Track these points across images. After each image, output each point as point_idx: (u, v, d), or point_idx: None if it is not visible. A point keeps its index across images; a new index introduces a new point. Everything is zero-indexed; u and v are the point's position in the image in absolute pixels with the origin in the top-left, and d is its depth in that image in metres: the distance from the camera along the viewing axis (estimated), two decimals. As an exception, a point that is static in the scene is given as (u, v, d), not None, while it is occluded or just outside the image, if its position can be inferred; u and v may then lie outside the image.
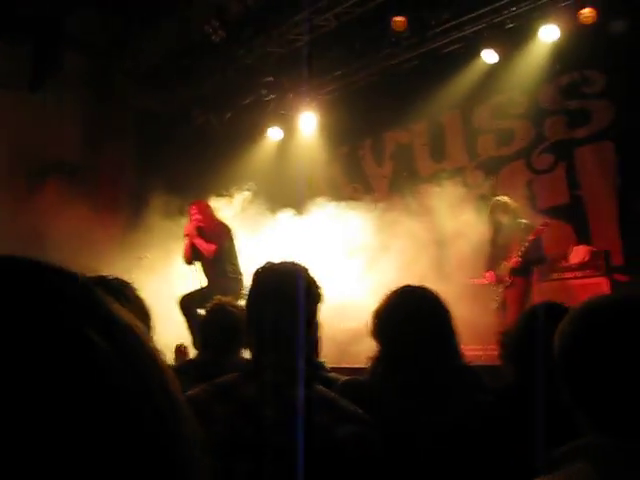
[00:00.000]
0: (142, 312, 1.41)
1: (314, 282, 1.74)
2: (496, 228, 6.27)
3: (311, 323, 1.70)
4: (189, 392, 1.61)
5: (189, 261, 6.33)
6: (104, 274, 1.46)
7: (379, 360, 1.98)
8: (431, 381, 1.88)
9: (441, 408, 1.83)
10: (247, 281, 6.18)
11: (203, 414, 1.51)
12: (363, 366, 2.20)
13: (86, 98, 9.33)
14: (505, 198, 6.24)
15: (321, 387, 1.67)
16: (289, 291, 1.62)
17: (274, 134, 9.34)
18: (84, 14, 8.24)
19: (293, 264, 1.74)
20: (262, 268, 1.76)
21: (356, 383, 2.04)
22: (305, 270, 1.73)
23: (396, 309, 2.01)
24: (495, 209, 6.23)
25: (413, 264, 6.77)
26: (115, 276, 1.47)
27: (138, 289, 1.53)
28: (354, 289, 6.65)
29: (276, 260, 1.78)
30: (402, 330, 1.95)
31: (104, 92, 9.25)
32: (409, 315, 1.98)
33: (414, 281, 2.21)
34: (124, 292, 1.40)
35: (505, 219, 6.14)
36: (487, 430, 1.79)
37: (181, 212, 7.34)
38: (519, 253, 5.92)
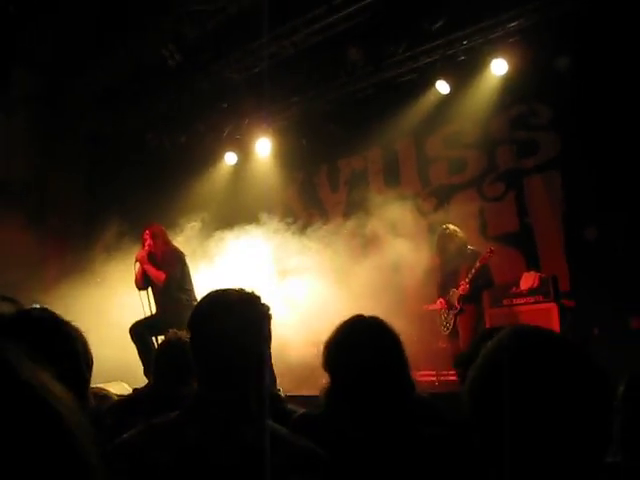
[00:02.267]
0: (68, 347, 1.33)
1: (265, 310, 1.67)
2: (444, 256, 6.38)
3: (263, 352, 1.63)
4: (123, 436, 1.49)
5: (140, 287, 6.21)
6: (31, 307, 1.39)
7: (330, 392, 1.96)
8: (382, 414, 1.87)
9: (388, 441, 1.82)
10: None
11: (139, 461, 1.41)
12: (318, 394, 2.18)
13: (37, 117, 9.12)
14: (451, 226, 6.37)
15: (273, 425, 1.57)
16: (239, 321, 1.56)
17: (229, 159, 9.32)
18: (35, 33, 8.10)
19: (243, 292, 1.67)
20: (207, 297, 1.69)
21: (310, 417, 2.02)
22: (256, 298, 1.67)
23: (345, 340, 1.99)
24: (442, 237, 6.35)
25: (365, 290, 6.81)
26: (42, 309, 1.38)
27: (68, 322, 1.41)
28: (311, 313, 6.64)
29: (223, 287, 1.71)
30: (351, 362, 1.93)
31: (56, 112, 9.07)
32: (358, 346, 1.96)
33: (366, 308, 2.21)
34: (48, 327, 1.32)
35: (452, 247, 6.26)
36: (434, 464, 1.80)
37: (133, 237, 7.22)
38: (467, 280, 6.04)
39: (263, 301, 1.69)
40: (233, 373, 1.56)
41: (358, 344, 1.97)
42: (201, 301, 1.70)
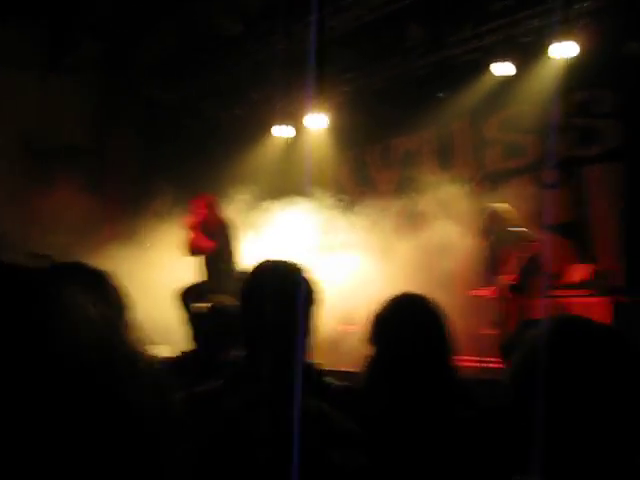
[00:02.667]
0: (114, 303, 1.36)
1: (312, 284, 1.71)
2: (491, 238, 6.21)
3: (308, 326, 1.67)
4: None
5: (189, 254, 6.33)
6: (81, 262, 1.41)
7: (373, 366, 1.98)
8: (420, 392, 1.89)
9: (425, 420, 1.83)
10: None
11: (182, 428, 1.43)
12: (357, 370, 2.19)
13: (96, 82, 9.32)
14: (499, 205, 6.16)
15: (315, 401, 1.57)
16: (288, 292, 1.59)
17: (283, 131, 9.33)
18: (99, 2, 8.25)
19: (292, 264, 1.71)
20: (260, 266, 1.72)
21: (349, 390, 2.03)
22: (304, 271, 1.70)
23: (394, 316, 2.01)
24: (488, 218, 6.16)
25: (410, 271, 6.75)
26: (91, 266, 1.41)
27: (113, 279, 1.45)
28: (351, 290, 6.64)
29: (274, 258, 1.75)
30: (398, 338, 1.95)
31: (115, 77, 9.24)
32: (406, 323, 1.98)
33: (413, 288, 2.22)
34: (96, 282, 1.35)
35: (498, 227, 6.06)
36: (464, 447, 1.79)
37: (184, 204, 7.33)
38: (516, 269, 5.86)
39: (312, 277, 1.71)
40: (276, 345, 1.58)
41: (406, 321, 1.98)
42: (252, 271, 1.72)
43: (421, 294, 2.11)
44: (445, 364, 2.01)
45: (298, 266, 1.70)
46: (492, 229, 6.16)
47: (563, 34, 6.78)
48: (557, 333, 1.09)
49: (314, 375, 2.45)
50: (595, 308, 5.79)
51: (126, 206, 8.80)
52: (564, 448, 1.00)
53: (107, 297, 1.34)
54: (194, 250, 6.28)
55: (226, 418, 1.48)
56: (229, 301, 3.25)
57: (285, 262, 1.72)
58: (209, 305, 3.24)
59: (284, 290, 1.60)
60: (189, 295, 5.92)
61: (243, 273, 3.15)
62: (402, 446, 1.80)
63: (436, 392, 1.91)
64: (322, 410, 1.56)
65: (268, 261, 1.73)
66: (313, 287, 1.71)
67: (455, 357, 2.07)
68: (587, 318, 1.17)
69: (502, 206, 6.17)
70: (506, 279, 5.98)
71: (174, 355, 3.34)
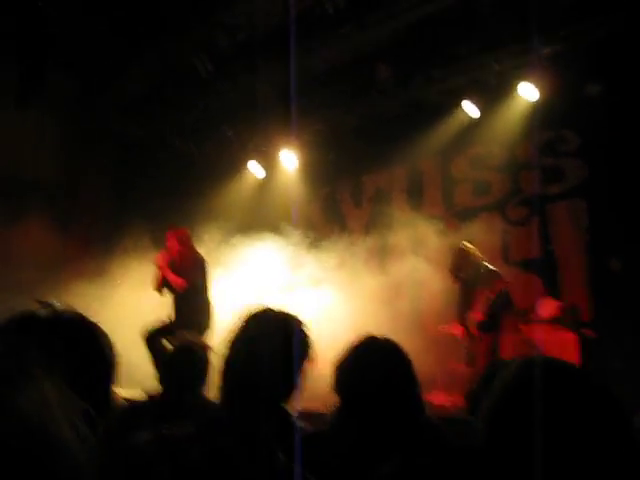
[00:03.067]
0: (108, 358, 1.35)
1: (308, 336, 1.70)
2: (460, 274, 6.29)
3: (298, 379, 1.66)
4: (135, 438, 1.51)
5: (159, 290, 6.25)
6: (61, 310, 1.38)
7: (337, 415, 1.94)
8: (385, 437, 1.86)
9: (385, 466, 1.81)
10: (219, 316, 6.14)
11: (146, 468, 1.43)
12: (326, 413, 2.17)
13: (68, 119, 9.28)
14: (468, 245, 6.28)
15: (283, 459, 1.55)
16: (282, 343, 1.58)
17: (254, 169, 9.39)
18: (71, 36, 8.28)
19: (287, 314, 1.70)
20: (253, 314, 1.70)
21: (320, 435, 2.01)
22: (302, 325, 1.70)
23: (355, 361, 1.97)
24: (457, 256, 6.26)
25: (382, 308, 6.77)
26: (73, 313, 1.39)
27: (97, 325, 1.43)
28: (320, 328, 6.60)
29: (265, 305, 1.72)
30: (360, 383, 1.91)
31: (87, 114, 9.22)
32: (368, 368, 1.94)
33: (382, 326, 2.21)
34: (93, 336, 1.34)
35: (468, 265, 6.16)
36: None
37: (156, 240, 7.28)
38: (483, 308, 5.91)
39: (304, 326, 1.71)
40: (259, 396, 1.57)
41: (367, 366, 1.94)
42: (241, 318, 1.70)
43: (383, 336, 2.06)
44: (412, 406, 1.97)
45: (291, 316, 1.70)
46: (462, 267, 6.23)
47: (527, 77, 7.01)
48: (525, 376, 1.10)
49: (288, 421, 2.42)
50: (564, 343, 5.85)
51: (97, 243, 8.71)
52: None
53: (103, 352, 1.33)
54: (164, 287, 6.21)
55: (186, 467, 1.45)
56: (196, 339, 3.22)
57: (276, 311, 1.70)
58: (176, 344, 3.19)
59: (278, 341, 1.59)
60: (157, 334, 5.83)
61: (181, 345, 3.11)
62: None
63: (400, 438, 1.88)
64: (286, 470, 1.53)
65: (258, 309, 1.71)
66: (308, 340, 1.70)
67: (424, 395, 2.05)
68: (554, 359, 1.18)
69: (469, 245, 6.27)
70: (475, 317, 6.02)
71: (141, 398, 3.27)
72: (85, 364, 1.25)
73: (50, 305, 1.33)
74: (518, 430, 1.04)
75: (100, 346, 1.33)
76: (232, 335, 1.69)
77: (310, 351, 1.71)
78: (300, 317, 1.73)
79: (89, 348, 1.30)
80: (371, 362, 1.96)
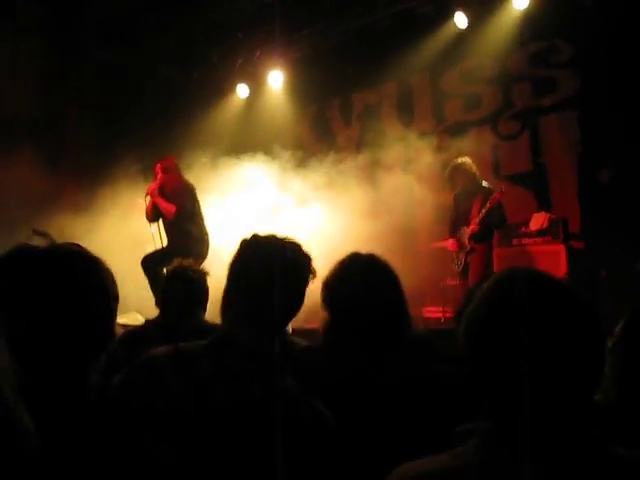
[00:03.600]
0: (110, 291, 1.35)
1: (306, 259, 1.76)
2: (455, 191, 6.33)
3: (298, 299, 1.74)
4: (156, 351, 1.60)
5: (151, 220, 6.28)
6: (59, 243, 1.37)
7: (328, 327, 2.00)
8: (381, 351, 1.92)
9: (381, 375, 1.88)
10: (213, 241, 6.20)
11: (158, 380, 1.51)
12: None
13: (46, 50, 8.96)
14: (464, 159, 6.27)
15: (289, 381, 1.63)
16: (278, 271, 1.63)
17: (242, 91, 9.20)
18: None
19: (283, 240, 1.75)
20: (249, 240, 1.75)
21: (312, 350, 2.08)
22: (297, 247, 1.75)
23: (342, 277, 2.01)
24: (454, 171, 6.27)
25: (374, 226, 6.82)
26: (72, 244, 1.38)
27: (97, 257, 1.42)
28: (313, 246, 6.67)
29: (263, 232, 1.77)
30: (347, 298, 1.96)
31: (65, 44, 8.90)
32: (354, 283, 1.98)
33: (374, 244, 2.23)
34: (94, 268, 1.33)
35: (465, 180, 6.18)
36: (439, 396, 1.85)
37: (146, 169, 7.23)
38: (477, 220, 6.01)
39: (306, 251, 1.78)
40: (268, 312, 1.64)
41: (353, 281, 1.98)
42: (246, 242, 1.75)
43: (369, 253, 2.10)
44: (400, 319, 2.01)
45: (291, 243, 1.75)
46: (456, 181, 6.26)
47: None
48: (504, 287, 1.12)
49: (282, 336, 2.51)
50: (550, 255, 5.95)
51: (85, 175, 8.62)
52: (517, 400, 1.03)
53: (104, 284, 1.32)
54: (155, 214, 6.23)
55: (194, 382, 1.52)
56: (190, 264, 3.27)
57: (281, 238, 1.75)
58: (170, 269, 3.24)
59: (274, 270, 1.64)
60: (154, 261, 5.90)
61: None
62: (368, 406, 1.83)
63: (392, 347, 1.94)
64: (293, 395, 1.61)
65: (260, 235, 1.76)
66: (307, 264, 1.76)
67: (418, 309, 2.11)
68: (535, 270, 1.18)
69: (466, 160, 6.25)
70: (468, 230, 6.11)
71: (137, 323, 3.36)
72: (87, 296, 1.26)
73: (47, 235, 1.32)
74: (495, 341, 1.06)
75: (101, 277, 1.33)
76: (233, 260, 1.74)
77: (310, 272, 1.76)
78: (297, 240, 1.77)
79: (90, 279, 1.30)
80: (355, 277, 1.99)
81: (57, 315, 1.22)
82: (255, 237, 1.76)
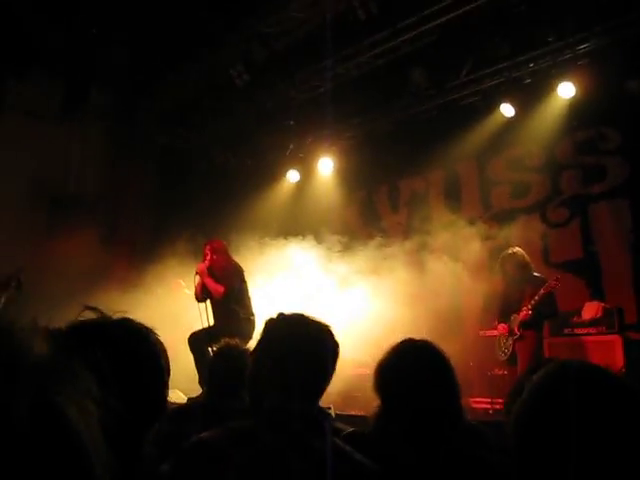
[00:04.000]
0: (162, 361, 1.35)
1: (331, 340, 1.77)
2: (506, 279, 6.22)
3: (321, 378, 1.74)
4: (205, 434, 1.59)
5: (199, 299, 6.36)
6: (129, 318, 1.38)
7: (380, 414, 1.96)
8: (428, 438, 1.87)
9: (436, 465, 1.82)
10: (259, 323, 6.21)
11: (219, 459, 1.50)
12: (368, 415, 2.20)
13: (110, 132, 9.54)
14: (517, 249, 6.20)
15: (336, 440, 1.66)
16: (319, 350, 1.68)
17: (292, 176, 9.48)
18: (114, 50, 8.52)
19: (320, 323, 1.77)
20: (275, 319, 1.78)
21: (359, 435, 2.03)
22: (323, 327, 1.77)
23: (395, 363, 1.99)
24: (506, 261, 6.19)
25: (422, 314, 6.74)
26: (125, 318, 1.40)
27: (149, 329, 1.44)
28: (361, 332, 6.61)
29: (301, 312, 1.80)
30: (400, 385, 1.94)
31: (128, 127, 9.45)
32: (407, 370, 1.96)
33: (422, 331, 2.21)
34: (143, 339, 1.34)
35: (516, 270, 6.08)
36: None
37: (196, 250, 7.40)
38: (529, 306, 5.86)
39: (333, 333, 1.79)
40: (310, 387, 1.67)
41: (407, 367, 1.96)
42: (271, 321, 1.78)
43: (424, 339, 2.08)
44: (452, 409, 1.97)
45: (325, 325, 1.78)
46: (508, 271, 6.16)
47: (564, 75, 6.91)
48: (555, 380, 1.10)
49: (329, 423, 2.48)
50: (606, 345, 5.74)
51: (139, 254, 8.91)
52: None
53: (156, 355, 1.33)
54: (203, 295, 6.32)
55: (259, 450, 1.53)
56: (236, 344, 3.28)
57: (314, 321, 1.77)
58: (218, 349, 3.26)
59: (315, 349, 1.69)
60: (201, 340, 5.93)
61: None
62: None
63: (446, 437, 1.89)
64: (346, 448, 1.65)
65: (299, 315, 1.78)
66: (331, 342, 1.77)
67: (466, 399, 2.06)
68: (587, 363, 1.16)
69: (518, 250, 6.18)
70: (519, 316, 5.95)
71: (183, 402, 3.35)
72: (139, 368, 1.27)
73: (98, 310, 1.31)
74: (545, 434, 1.03)
75: (152, 349, 1.34)
76: (259, 339, 1.77)
77: (336, 354, 1.76)
78: (326, 322, 1.79)
79: (142, 350, 1.31)
80: (409, 363, 1.97)
81: (112, 385, 1.22)
82: (280, 316, 1.78)
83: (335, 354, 1.75)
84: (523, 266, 6.06)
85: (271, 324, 1.78)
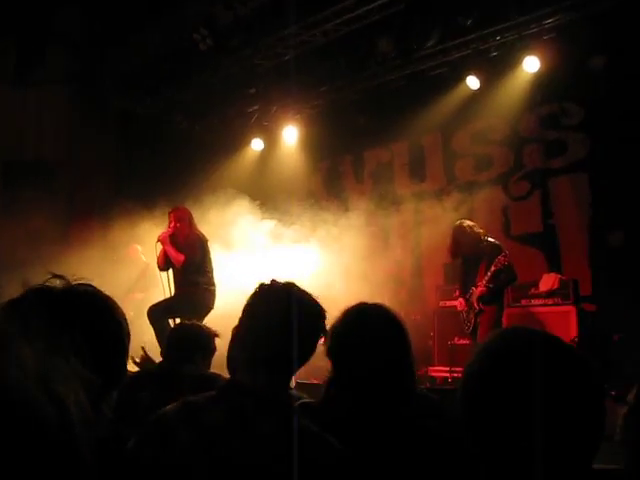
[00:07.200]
0: (124, 330, 1.38)
1: (322, 315, 1.74)
2: (460, 250, 6.22)
3: (310, 350, 1.71)
4: (165, 408, 1.58)
5: (161, 268, 6.28)
6: (74, 282, 1.41)
7: (332, 381, 1.93)
8: (378, 406, 1.85)
9: (386, 432, 1.82)
10: (220, 292, 6.18)
11: (167, 436, 1.50)
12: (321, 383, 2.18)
13: (68, 96, 9.26)
14: (466, 221, 6.19)
15: (303, 420, 1.61)
16: (296, 321, 1.61)
17: (256, 145, 9.37)
18: (70, 12, 8.23)
19: (303, 292, 1.73)
20: (263, 287, 1.73)
21: (309, 405, 2.03)
22: (315, 300, 1.73)
23: (349, 328, 1.93)
24: (456, 232, 6.18)
25: (383, 283, 6.79)
26: (87, 285, 1.42)
27: (110, 297, 1.43)
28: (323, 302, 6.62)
29: (274, 279, 1.75)
30: (354, 351, 1.89)
31: (87, 91, 9.19)
32: (362, 335, 1.91)
33: (383, 301, 2.16)
34: (108, 308, 1.37)
35: (467, 241, 6.09)
36: (430, 456, 1.80)
37: (157, 217, 7.30)
38: (484, 281, 5.89)
39: (322, 306, 1.75)
40: (278, 362, 1.63)
41: (358, 330, 1.92)
42: (264, 288, 1.73)
43: (378, 303, 2.03)
44: (405, 375, 1.95)
45: (309, 294, 1.74)
46: (461, 244, 6.18)
47: (530, 49, 6.93)
48: (504, 342, 1.10)
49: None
50: (561, 316, 5.88)
51: (98, 220, 8.73)
52: (518, 458, 1.01)
53: (120, 323, 1.36)
54: (166, 263, 6.24)
55: (207, 428, 1.51)
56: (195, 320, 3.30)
57: (290, 286, 1.73)
58: (178, 323, 3.27)
59: (287, 318, 1.62)
60: (160, 312, 5.87)
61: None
62: (364, 459, 1.79)
63: (395, 404, 1.89)
64: (307, 431, 1.59)
65: (272, 283, 1.74)
66: (322, 317, 1.73)
67: (426, 368, 2.06)
68: (537, 330, 1.16)
69: (465, 221, 6.19)
70: (476, 291, 6.02)
71: (138, 369, 3.34)
72: (100, 336, 1.28)
73: (63, 278, 1.35)
74: (492, 399, 1.04)
75: (116, 317, 1.37)
76: (250, 303, 1.72)
77: (318, 329, 1.74)
78: (314, 294, 1.76)
79: (104, 320, 1.34)
80: (362, 326, 1.93)
81: (74, 350, 1.22)
82: (274, 284, 1.73)
83: (316, 329, 1.71)
84: (473, 237, 6.06)
85: (257, 290, 1.73)
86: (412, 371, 2.00)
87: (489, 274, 5.85)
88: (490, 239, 6.10)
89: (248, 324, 1.70)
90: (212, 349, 3.15)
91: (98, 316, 1.33)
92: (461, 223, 6.14)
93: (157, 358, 5.38)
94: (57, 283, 1.32)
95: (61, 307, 1.26)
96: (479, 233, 6.07)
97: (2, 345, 0.56)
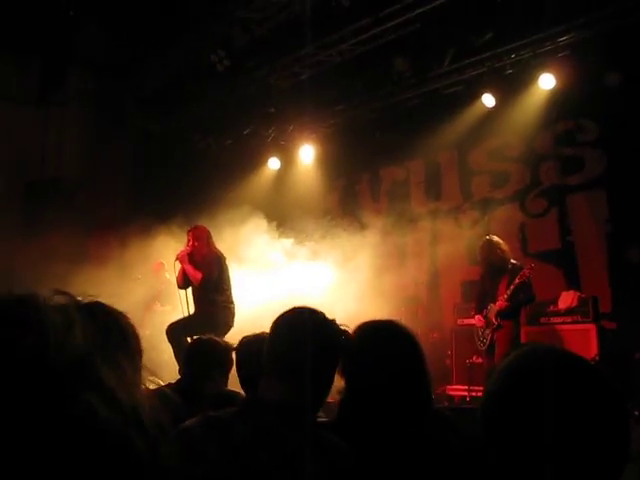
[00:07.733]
0: (133, 346, 1.37)
1: (336, 331, 1.78)
2: (484, 268, 6.26)
3: (329, 382, 1.76)
4: (186, 423, 1.59)
5: (181, 286, 6.30)
6: (91, 299, 1.41)
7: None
8: (394, 423, 1.83)
9: (401, 450, 1.81)
10: (239, 310, 6.19)
11: (195, 451, 1.51)
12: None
13: (87, 115, 9.41)
14: (495, 238, 6.23)
15: (323, 432, 1.64)
16: (308, 336, 1.66)
17: (273, 164, 9.44)
18: (90, 33, 8.38)
19: (315, 310, 1.79)
20: (287, 311, 1.78)
21: (325, 425, 2.01)
22: (343, 331, 1.79)
23: (361, 345, 1.89)
24: (483, 249, 6.21)
25: (400, 302, 6.76)
26: (95, 301, 1.43)
27: (122, 313, 1.47)
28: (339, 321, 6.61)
29: (314, 308, 1.81)
30: (368, 369, 1.87)
31: (106, 110, 9.33)
32: (375, 352, 1.89)
33: (404, 322, 2.11)
34: (115, 322, 1.37)
35: (494, 258, 6.10)
36: (446, 473, 1.79)
37: (176, 236, 7.35)
38: (506, 296, 5.89)
39: (339, 325, 1.81)
40: (300, 377, 1.65)
41: (371, 347, 1.89)
42: (291, 317, 1.79)
43: (390, 320, 2.01)
44: (419, 392, 1.91)
45: (327, 318, 1.79)
46: (485, 259, 6.18)
47: (545, 66, 6.95)
48: (523, 365, 1.10)
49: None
50: (580, 334, 5.82)
51: (116, 238, 8.81)
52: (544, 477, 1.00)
53: (126, 339, 1.35)
54: (184, 282, 6.27)
55: (232, 443, 1.53)
56: (217, 337, 3.30)
57: (317, 314, 1.79)
58: (195, 339, 3.27)
59: (318, 340, 1.68)
60: (179, 330, 5.89)
61: None
62: (382, 476, 1.78)
63: (411, 421, 1.87)
64: (328, 442, 1.62)
65: (298, 308, 1.80)
66: (341, 336, 1.78)
67: (444, 387, 2.04)
68: (558, 348, 1.16)
69: (495, 238, 6.20)
70: (496, 306, 5.99)
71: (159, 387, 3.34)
72: (113, 351, 1.28)
73: (69, 295, 1.32)
74: (513, 418, 1.04)
75: (126, 334, 1.36)
76: (277, 328, 1.76)
77: (335, 359, 1.78)
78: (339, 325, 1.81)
79: (115, 336, 1.33)
80: (375, 342, 1.91)
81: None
82: (296, 308, 1.79)
83: (334, 346, 1.75)
84: (500, 253, 6.08)
85: (282, 315, 1.78)
86: (428, 387, 1.96)
87: (512, 287, 5.84)
88: (513, 261, 6.10)
89: (271, 342, 1.74)
90: (230, 364, 3.14)
91: (108, 333, 1.33)
92: (491, 239, 6.14)
93: (176, 376, 5.42)
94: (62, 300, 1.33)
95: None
96: (505, 250, 6.08)
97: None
